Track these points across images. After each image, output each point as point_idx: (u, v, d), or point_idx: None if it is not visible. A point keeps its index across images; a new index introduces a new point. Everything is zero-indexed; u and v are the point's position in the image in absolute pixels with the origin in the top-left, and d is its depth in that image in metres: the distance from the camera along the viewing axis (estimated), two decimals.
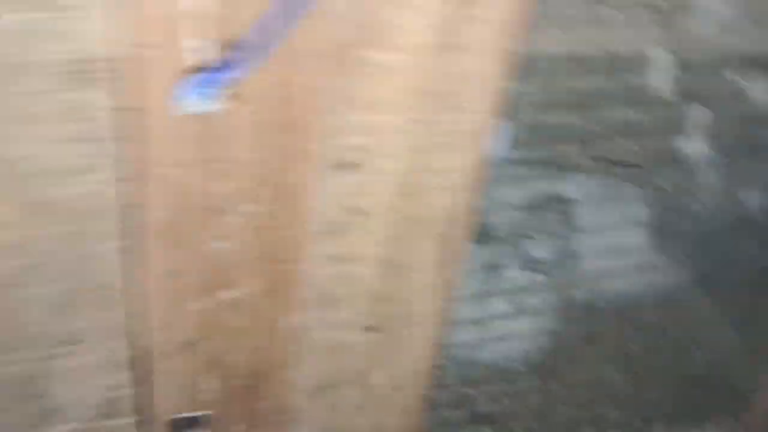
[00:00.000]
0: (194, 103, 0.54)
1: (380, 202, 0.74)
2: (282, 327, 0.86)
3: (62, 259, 0.68)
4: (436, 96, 0.68)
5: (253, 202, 0.73)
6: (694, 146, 0.83)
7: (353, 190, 0.73)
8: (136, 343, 0.78)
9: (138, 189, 0.69)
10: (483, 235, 0.88)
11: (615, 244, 0.95)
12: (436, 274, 0.83)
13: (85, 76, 0.59)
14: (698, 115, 0.81)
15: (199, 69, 0.58)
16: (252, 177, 0.71)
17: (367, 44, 0.63)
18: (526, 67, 0.70)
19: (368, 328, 0.86)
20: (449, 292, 0.86)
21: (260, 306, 0.83)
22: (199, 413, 0.90)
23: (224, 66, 0.55)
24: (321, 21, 0.63)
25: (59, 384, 0.78)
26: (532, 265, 1.07)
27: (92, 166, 0.64)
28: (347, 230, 0.76)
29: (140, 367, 0.82)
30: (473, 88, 0.68)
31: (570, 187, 0.85)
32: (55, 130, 0.61)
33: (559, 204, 0.89)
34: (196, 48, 0.60)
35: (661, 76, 0.76)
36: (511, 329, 1.05)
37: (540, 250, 1.06)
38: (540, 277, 1.10)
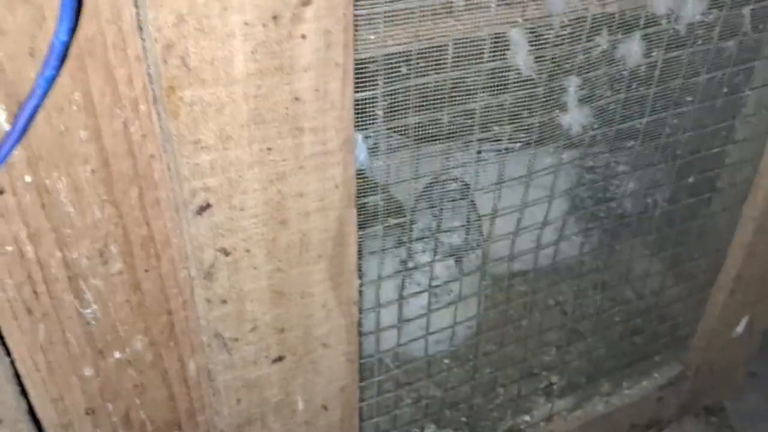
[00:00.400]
0: None
1: (251, 237, 0.71)
2: (187, 374, 0.82)
3: None
4: (280, 122, 0.64)
5: (116, 261, 0.69)
6: (571, 117, 0.80)
7: (218, 230, 0.69)
8: (28, 425, 0.74)
9: None
10: (386, 237, 0.85)
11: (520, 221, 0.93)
12: (333, 295, 0.80)
13: None
14: (569, 85, 0.78)
15: None
16: (108, 236, 0.67)
17: (187, 84, 0.58)
18: (371, 72, 0.66)
19: (276, 360, 0.83)
20: (351, 308, 0.83)
21: (159, 358, 0.79)
22: None
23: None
24: (137, 67, 0.59)
25: None
26: (443, 253, 1.04)
27: None
28: (224, 271, 0.72)
29: None
30: (317, 107, 0.64)
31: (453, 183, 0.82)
32: None
33: (453, 193, 0.86)
34: None
35: (521, 55, 0.72)
36: (436, 320, 1.02)
37: (449, 237, 1.03)
38: (453, 263, 1.07)
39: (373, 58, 0.66)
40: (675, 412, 1.44)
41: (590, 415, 1.28)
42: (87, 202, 0.64)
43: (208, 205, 0.66)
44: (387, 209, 0.81)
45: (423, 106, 0.73)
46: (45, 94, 0.47)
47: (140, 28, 0.57)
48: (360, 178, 0.73)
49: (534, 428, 1.23)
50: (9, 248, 0.64)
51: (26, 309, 0.68)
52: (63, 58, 0.46)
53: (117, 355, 0.76)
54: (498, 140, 0.77)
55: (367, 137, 0.71)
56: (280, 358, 0.83)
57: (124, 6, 0.55)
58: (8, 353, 0.70)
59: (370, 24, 0.65)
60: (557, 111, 0.79)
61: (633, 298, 1.28)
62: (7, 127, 0.57)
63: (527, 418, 1.23)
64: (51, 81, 0.47)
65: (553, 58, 0.75)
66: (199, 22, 0.56)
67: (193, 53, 0.57)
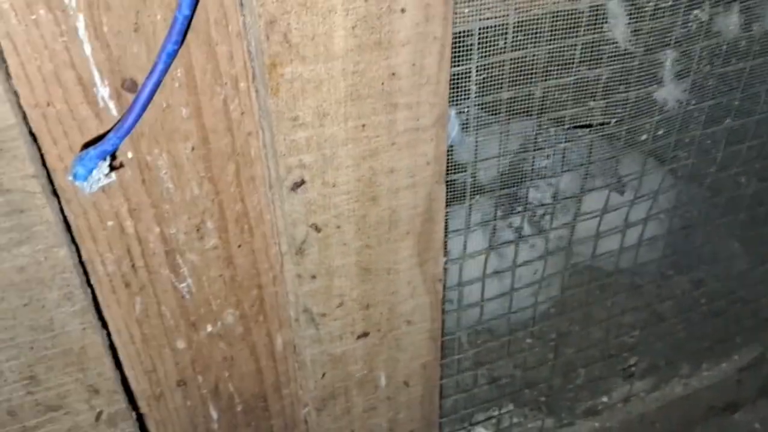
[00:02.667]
0: (89, 181, 0.50)
1: (343, 213, 0.71)
2: (275, 348, 0.83)
3: (18, 334, 0.65)
4: (375, 98, 0.63)
5: (212, 236, 0.70)
6: (667, 92, 0.77)
7: (311, 207, 0.69)
8: (122, 396, 0.76)
9: (87, 247, 0.65)
10: (472, 215, 0.84)
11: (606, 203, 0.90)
12: (419, 272, 0.80)
13: None
14: (665, 59, 0.75)
15: (86, 144, 0.53)
16: (205, 212, 0.68)
17: (288, 60, 0.58)
18: (466, 47, 0.65)
19: (361, 335, 0.83)
20: (436, 285, 0.82)
21: (248, 332, 0.80)
22: None
23: (108, 135, 0.50)
24: (238, 44, 0.59)
25: None
26: (526, 234, 1.03)
27: (24, 237, 0.60)
28: (315, 247, 0.72)
29: (135, 416, 0.80)
30: (412, 82, 0.64)
31: (544, 160, 0.80)
32: None
33: (535, 178, 0.84)
34: (97, 95, 0.56)
35: (619, 27, 0.70)
36: (519, 294, 1.01)
37: (531, 220, 1.02)
38: (538, 241, 1.06)
39: (469, 31, 0.65)
40: (753, 395, 1.40)
41: (668, 396, 1.26)
42: (186, 179, 0.65)
43: (303, 182, 0.67)
44: (473, 187, 0.80)
45: (516, 80, 0.71)
46: (166, 69, 0.48)
47: (241, 4, 0.57)
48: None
49: (611, 409, 1.22)
50: (110, 223, 0.65)
51: (124, 283, 0.70)
52: (185, 32, 0.47)
53: (209, 328, 0.77)
54: (591, 116, 0.75)
55: (459, 113, 0.70)
56: (365, 334, 0.83)
57: None
58: (105, 326, 0.72)
59: None
60: (654, 85, 0.76)
61: (715, 279, 1.24)
62: (111, 103, 0.58)
63: (605, 399, 1.21)
64: (172, 56, 0.47)
65: (650, 31, 0.73)
66: None
67: (295, 29, 0.57)
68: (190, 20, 0.47)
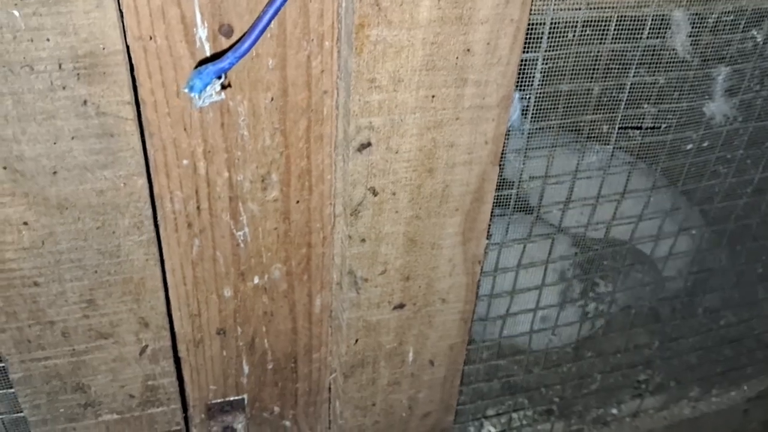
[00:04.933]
0: (202, 96, 0.54)
1: (400, 180, 0.74)
2: (313, 309, 0.86)
3: (85, 256, 0.69)
4: (448, 70, 0.67)
5: (274, 188, 0.74)
6: (718, 106, 0.81)
7: (372, 170, 0.73)
8: (168, 333, 0.80)
9: (160, 182, 0.69)
10: (513, 206, 0.87)
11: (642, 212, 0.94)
12: (461, 250, 0.83)
13: (94, 70, 0.59)
14: (718, 74, 0.79)
15: (202, 61, 0.58)
16: (272, 163, 0.72)
17: (375, 23, 0.62)
18: (537, 35, 0.69)
19: (397, 306, 0.86)
20: (475, 267, 0.86)
21: (291, 289, 0.83)
22: (235, 397, 0.91)
23: (226, 54, 0.55)
24: (329, 3, 0.63)
25: (96, 376, 0.79)
26: (560, 234, 1.06)
27: (109, 161, 0.64)
28: (369, 210, 0.76)
29: (175, 356, 0.83)
30: (484, 60, 0.68)
31: (594, 156, 0.83)
32: (69, 126, 0.61)
33: (584, 173, 0.88)
34: (196, 35, 0.60)
35: (680, 37, 0.74)
36: (543, 300, 1.04)
37: (570, 219, 1.05)
38: (568, 246, 1.09)
39: (543, 20, 0.69)
40: (759, 428, 1.42)
41: (676, 417, 1.28)
42: (261, 128, 0.69)
43: (369, 144, 0.70)
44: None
45: (577, 75, 0.75)
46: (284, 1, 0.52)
47: None
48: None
49: (620, 422, 1.24)
50: (185, 161, 0.69)
51: (187, 223, 0.73)
52: None
53: (256, 280, 0.81)
54: (643, 119, 0.79)
55: (522, 98, 0.73)
56: (401, 306, 0.87)
57: None
58: (162, 262, 0.75)
59: None
60: (706, 97, 0.80)
61: (732, 307, 1.27)
62: (207, 45, 0.62)
63: (615, 411, 1.24)
64: None
65: (709, 44, 0.76)
66: None
67: None
68: None
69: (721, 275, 1.14)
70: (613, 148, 0.80)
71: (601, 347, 1.19)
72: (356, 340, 0.88)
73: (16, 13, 0.54)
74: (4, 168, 0.61)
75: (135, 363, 0.80)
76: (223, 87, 0.57)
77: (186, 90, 0.54)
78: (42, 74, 0.57)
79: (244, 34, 0.57)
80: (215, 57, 0.61)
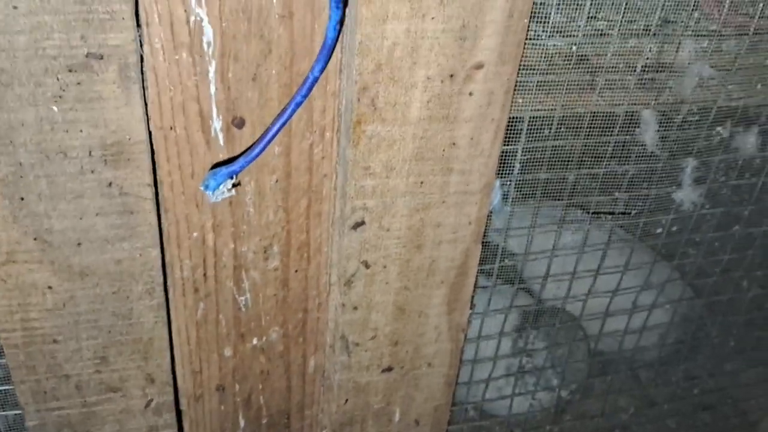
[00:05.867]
0: (215, 193, 0.61)
1: (390, 255, 0.81)
2: (307, 369, 0.93)
3: (101, 317, 0.76)
4: (436, 161, 0.75)
5: (275, 259, 0.81)
6: (684, 194, 0.88)
7: (365, 245, 0.80)
8: (171, 389, 0.86)
9: (172, 252, 0.76)
10: (496, 278, 0.94)
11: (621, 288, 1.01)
12: (446, 319, 0.90)
13: (120, 157, 0.67)
14: (686, 165, 0.87)
15: (217, 164, 0.65)
16: (274, 236, 0.79)
17: (371, 120, 0.70)
18: (516, 129, 0.77)
19: (385, 369, 0.93)
20: (459, 334, 0.92)
21: (287, 351, 0.90)
22: None
23: (238, 159, 0.62)
24: (331, 102, 0.71)
25: (104, 426, 0.85)
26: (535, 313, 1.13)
27: (128, 235, 0.71)
28: (362, 281, 0.83)
29: (176, 411, 0.89)
30: (468, 153, 0.75)
31: (570, 236, 0.91)
32: (94, 204, 0.69)
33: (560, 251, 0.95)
34: (212, 126, 0.68)
35: (649, 132, 0.82)
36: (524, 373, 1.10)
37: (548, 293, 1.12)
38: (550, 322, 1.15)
39: (522, 117, 0.77)
40: None
41: None
42: (265, 206, 0.76)
43: (363, 222, 0.78)
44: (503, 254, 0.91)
45: (553, 165, 0.83)
46: (291, 115, 0.59)
47: (341, 71, 0.69)
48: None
49: None
50: (195, 234, 0.76)
51: (194, 288, 0.80)
52: (311, 89, 0.59)
53: (255, 341, 0.87)
54: (616, 205, 0.86)
55: (502, 185, 0.81)
56: (389, 369, 0.93)
57: (335, 51, 0.67)
58: (169, 324, 0.82)
59: (522, 88, 0.76)
60: (673, 187, 0.88)
61: (708, 375, 1.33)
62: (221, 135, 0.70)
63: None
64: (298, 106, 0.59)
65: (676, 139, 0.84)
66: (392, 71, 0.67)
67: (382, 96, 0.69)
68: (316, 81, 0.59)
69: (695, 348, 1.20)
70: (587, 230, 0.88)
71: (581, 410, 1.24)
72: (346, 400, 0.94)
73: (55, 108, 0.62)
74: (35, 239, 0.69)
75: (140, 415, 0.86)
76: (234, 186, 0.64)
77: (201, 188, 0.61)
78: (74, 160, 0.65)
79: (254, 142, 0.64)
80: (227, 144, 0.69)
